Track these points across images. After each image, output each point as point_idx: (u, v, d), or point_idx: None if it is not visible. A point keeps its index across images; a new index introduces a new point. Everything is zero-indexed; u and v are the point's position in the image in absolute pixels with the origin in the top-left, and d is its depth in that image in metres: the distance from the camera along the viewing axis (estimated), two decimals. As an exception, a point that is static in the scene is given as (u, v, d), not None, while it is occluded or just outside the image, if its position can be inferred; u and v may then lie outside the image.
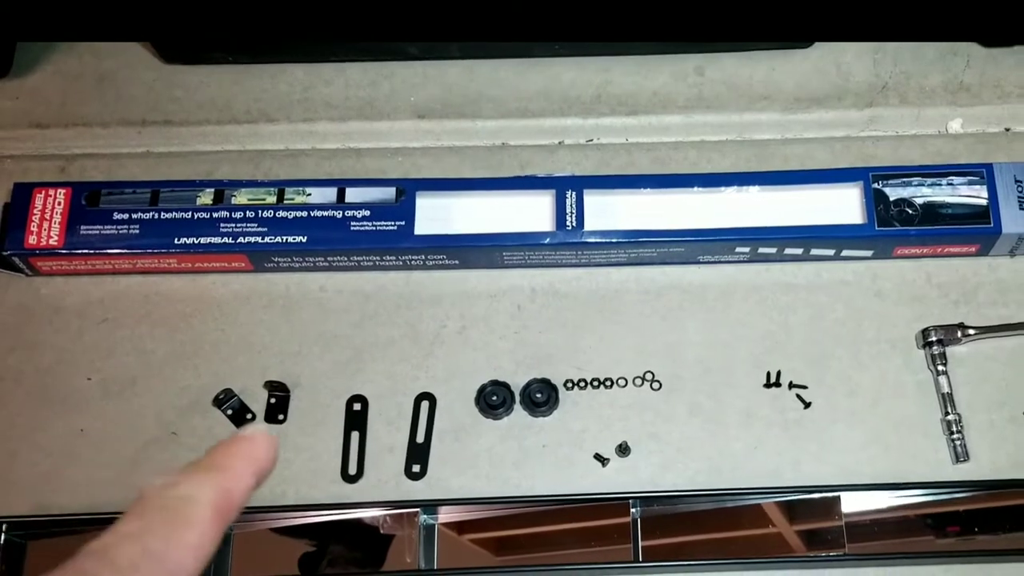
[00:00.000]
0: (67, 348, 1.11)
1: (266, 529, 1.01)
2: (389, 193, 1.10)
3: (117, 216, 1.09)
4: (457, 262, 1.10)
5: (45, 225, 1.09)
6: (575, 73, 1.21)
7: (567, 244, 1.08)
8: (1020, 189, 1.07)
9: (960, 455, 1.02)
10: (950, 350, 1.06)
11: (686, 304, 1.10)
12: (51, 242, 1.09)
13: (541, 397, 1.05)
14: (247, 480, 0.50)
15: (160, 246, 1.09)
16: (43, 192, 1.10)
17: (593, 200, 1.09)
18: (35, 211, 1.10)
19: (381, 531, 1.00)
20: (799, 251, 1.09)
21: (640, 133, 1.18)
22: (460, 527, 1.00)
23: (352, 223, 1.08)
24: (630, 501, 1.00)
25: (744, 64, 1.20)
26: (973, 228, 1.07)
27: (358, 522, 1.01)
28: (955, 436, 1.03)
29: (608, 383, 1.07)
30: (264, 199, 1.10)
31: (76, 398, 1.08)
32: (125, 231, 1.09)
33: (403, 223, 1.08)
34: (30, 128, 1.21)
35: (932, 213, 1.07)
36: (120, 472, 1.05)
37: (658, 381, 1.07)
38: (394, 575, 0.99)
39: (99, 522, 1.00)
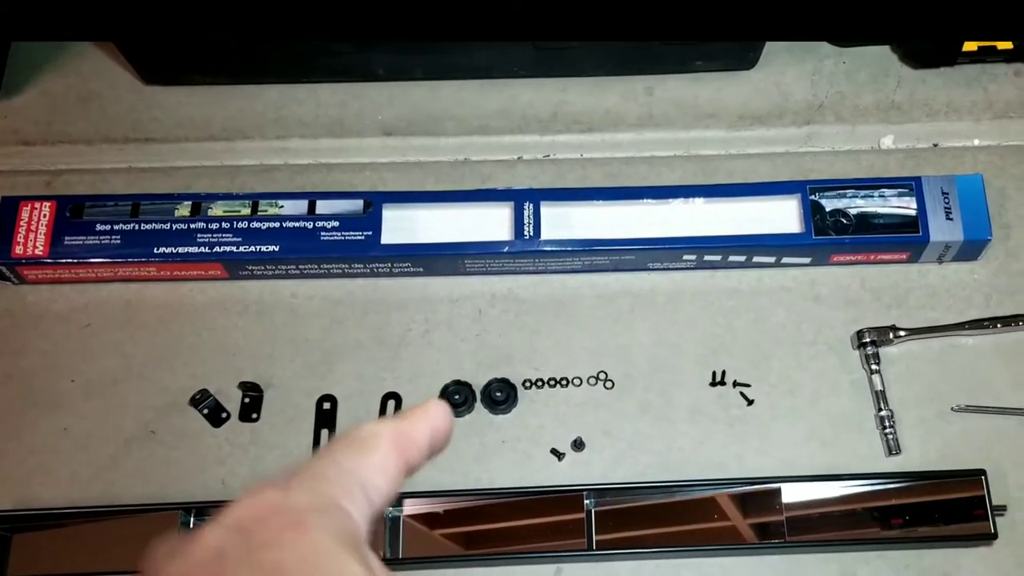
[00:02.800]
0: (52, 352, 1.10)
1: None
2: (357, 205, 1.09)
3: (99, 227, 1.09)
4: (421, 269, 1.10)
5: (31, 236, 1.08)
6: (533, 93, 1.21)
7: (525, 252, 1.08)
8: (947, 201, 1.08)
9: (892, 448, 1.03)
10: (883, 351, 1.06)
11: (637, 308, 1.10)
12: (37, 252, 1.08)
13: (501, 396, 1.05)
14: (422, 433, 0.52)
15: (140, 255, 1.08)
16: (29, 205, 1.10)
17: (549, 211, 1.09)
18: (22, 223, 1.09)
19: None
20: (742, 258, 1.10)
21: (594, 149, 1.18)
22: (424, 519, 1.00)
23: (322, 233, 1.08)
24: (584, 493, 1.00)
25: (691, 85, 1.21)
26: (903, 237, 1.07)
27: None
28: (888, 431, 1.03)
29: (564, 382, 1.07)
30: (239, 211, 1.09)
31: (60, 399, 1.08)
32: (107, 241, 1.08)
33: (370, 233, 1.08)
34: (18, 145, 1.20)
35: (865, 223, 1.07)
36: (101, 468, 1.05)
37: (611, 380, 1.07)
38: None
39: (82, 515, 1.00)
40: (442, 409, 0.53)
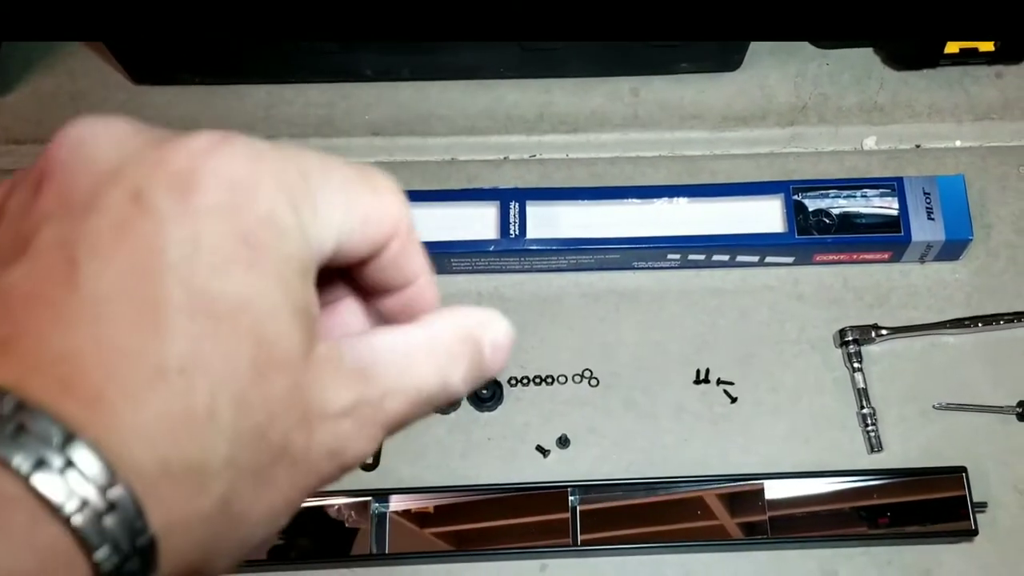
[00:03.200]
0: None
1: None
2: (345, 204, 1.09)
3: (89, 225, 1.08)
4: (408, 268, 1.10)
5: (21, 234, 1.07)
6: (519, 94, 1.21)
7: (511, 251, 1.07)
8: (928, 201, 1.08)
9: (874, 446, 1.03)
10: (865, 349, 1.06)
11: (622, 307, 1.10)
12: (26, 250, 1.07)
13: (486, 393, 1.05)
14: (498, 335, 0.43)
15: (129, 253, 1.07)
16: (19, 203, 1.09)
17: (535, 211, 1.09)
18: (11, 221, 1.08)
19: (346, 524, 0.99)
20: (726, 258, 1.10)
21: (579, 149, 1.18)
22: (410, 515, 0.99)
23: (310, 231, 1.07)
24: (569, 490, 1.00)
25: (676, 86, 1.21)
26: (885, 237, 1.07)
27: (322, 511, 1.00)
28: (870, 428, 1.03)
29: (549, 380, 1.07)
30: (227, 209, 1.08)
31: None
32: (96, 239, 1.07)
33: (358, 231, 1.07)
34: (8, 144, 1.20)
35: (848, 223, 1.07)
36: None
37: (596, 378, 1.07)
38: (347, 560, 0.99)
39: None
40: (508, 326, 0.44)
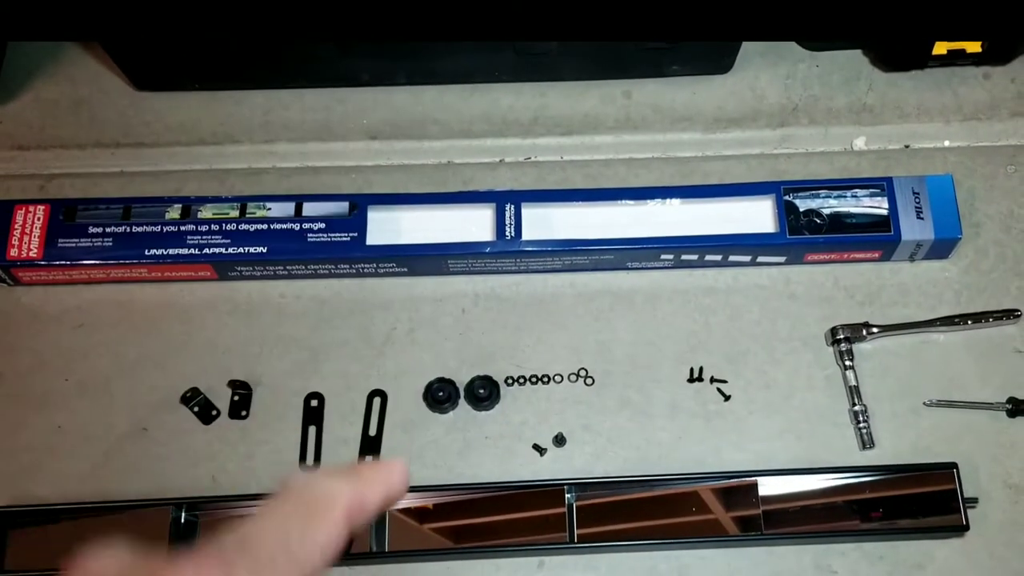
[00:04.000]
0: (46, 351, 1.09)
1: (230, 517, 1.00)
2: (343, 207, 1.08)
3: (92, 230, 1.08)
4: (406, 270, 1.09)
5: (25, 239, 1.07)
6: (514, 98, 1.20)
7: (507, 252, 1.07)
8: (917, 200, 1.07)
9: (866, 442, 1.02)
10: (856, 347, 1.06)
11: (616, 307, 1.10)
12: (31, 254, 1.07)
13: (484, 392, 1.04)
14: (378, 494, 0.49)
15: (132, 257, 1.07)
16: (23, 208, 1.09)
17: (530, 212, 1.08)
18: (16, 226, 1.08)
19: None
20: (718, 258, 1.09)
21: (574, 152, 1.18)
22: (409, 513, 0.99)
23: (309, 235, 1.07)
24: (565, 487, 0.99)
25: (668, 89, 1.20)
26: (875, 236, 1.07)
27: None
28: (861, 425, 1.03)
29: (545, 379, 1.06)
30: (228, 213, 1.08)
31: (54, 397, 1.07)
32: (99, 244, 1.07)
33: (356, 234, 1.07)
34: (12, 150, 1.19)
35: (838, 222, 1.07)
36: (95, 465, 1.04)
37: (591, 377, 1.07)
38: (347, 559, 0.98)
39: (76, 511, 0.99)
40: (401, 471, 0.51)
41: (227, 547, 0.44)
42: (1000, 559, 0.99)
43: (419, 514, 0.99)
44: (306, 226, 1.07)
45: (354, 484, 0.48)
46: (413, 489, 1.00)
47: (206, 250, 1.07)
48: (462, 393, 1.05)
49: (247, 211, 1.08)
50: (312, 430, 1.05)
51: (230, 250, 1.07)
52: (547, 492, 0.99)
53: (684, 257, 1.09)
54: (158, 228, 1.08)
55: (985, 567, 0.98)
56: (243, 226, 1.07)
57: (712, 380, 1.06)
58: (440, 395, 1.04)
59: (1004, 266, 1.10)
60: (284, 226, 1.07)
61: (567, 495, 0.99)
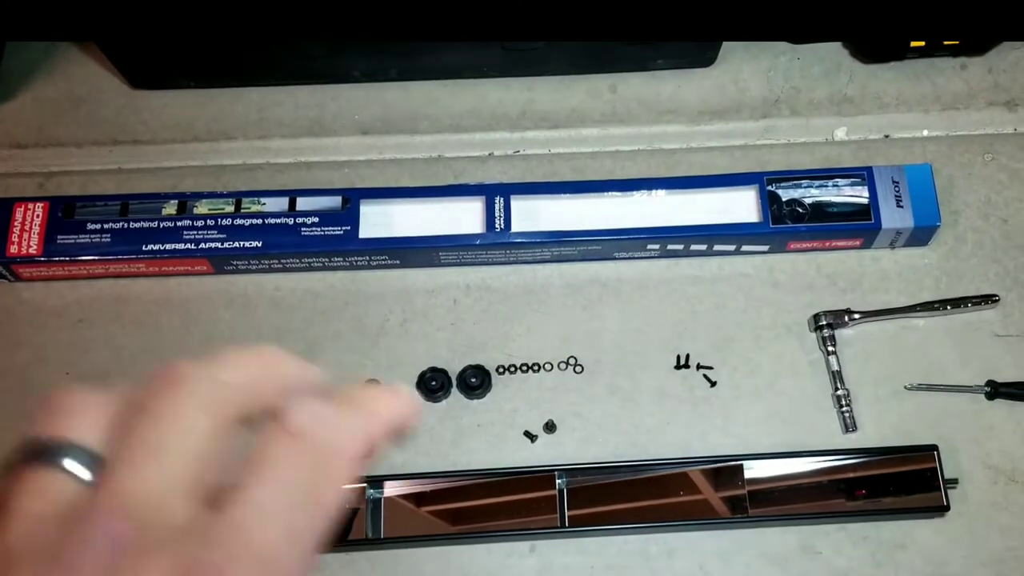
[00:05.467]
0: (46, 346, 1.08)
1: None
2: (336, 201, 1.08)
3: (90, 226, 1.07)
4: (398, 262, 1.09)
5: (25, 236, 1.07)
6: (502, 92, 1.19)
7: (496, 244, 1.06)
8: (897, 189, 1.07)
9: (849, 426, 1.02)
10: (839, 333, 1.05)
11: (604, 296, 1.09)
12: (30, 251, 1.06)
13: (475, 381, 1.04)
14: (385, 435, 0.42)
15: (129, 252, 1.06)
16: (23, 206, 1.08)
17: (519, 205, 1.07)
18: (16, 223, 1.07)
19: (351, 503, 0.98)
20: (703, 247, 1.08)
21: (561, 145, 1.17)
22: (404, 500, 0.98)
23: (303, 229, 1.06)
24: (556, 473, 0.99)
25: (653, 82, 1.19)
26: (856, 224, 1.06)
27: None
28: (844, 409, 1.02)
29: (536, 367, 1.06)
30: (223, 209, 1.07)
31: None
32: (98, 240, 1.06)
33: (349, 228, 1.06)
34: (11, 149, 1.18)
35: (820, 212, 1.06)
36: (95, 457, 1.03)
37: (580, 365, 1.06)
38: (343, 546, 0.97)
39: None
40: (410, 402, 0.45)
41: (221, 547, 0.35)
42: (980, 538, 0.98)
43: (413, 501, 0.98)
44: (300, 220, 1.07)
45: (366, 427, 0.41)
46: (407, 476, 0.99)
47: (202, 245, 1.06)
48: (454, 382, 1.05)
49: (242, 206, 1.08)
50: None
51: (226, 244, 1.06)
52: (538, 478, 0.99)
53: (670, 247, 1.08)
54: (155, 224, 1.07)
55: (965, 546, 0.98)
56: (238, 221, 1.07)
57: (698, 367, 1.06)
58: (433, 384, 1.04)
59: (982, 252, 1.10)
60: (278, 220, 1.07)
61: (558, 480, 0.99)
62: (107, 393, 0.39)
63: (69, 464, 0.37)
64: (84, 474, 0.37)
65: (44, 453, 0.38)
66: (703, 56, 1.18)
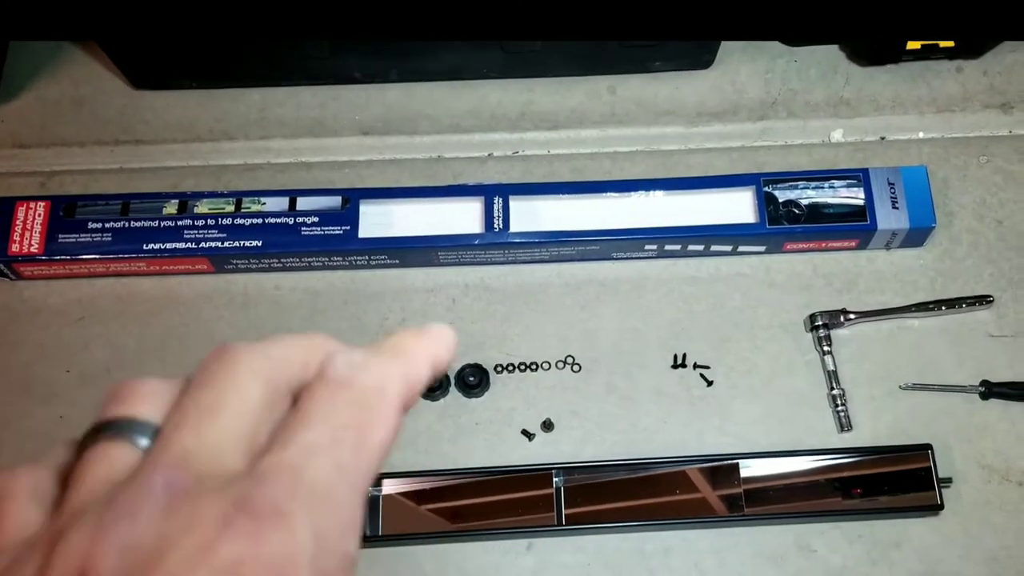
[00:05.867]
0: (48, 344, 1.08)
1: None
2: (336, 201, 1.08)
3: (91, 225, 1.07)
4: (397, 261, 1.09)
5: (27, 234, 1.07)
6: (501, 93, 1.19)
7: (495, 244, 1.06)
8: (893, 191, 1.07)
9: (844, 425, 1.02)
10: (834, 333, 1.05)
11: (602, 296, 1.09)
12: (32, 249, 1.06)
13: (474, 380, 1.04)
14: (426, 373, 0.42)
15: (130, 251, 1.06)
16: (24, 205, 1.08)
17: (518, 205, 1.07)
18: (17, 222, 1.07)
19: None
20: (701, 247, 1.08)
21: (560, 146, 1.17)
22: (402, 498, 0.98)
23: (303, 228, 1.06)
24: (553, 471, 0.99)
25: (651, 84, 1.19)
26: (852, 225, 1.06)
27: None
28: (840, 408, 1.02)
29: (533, 367, 1.06)
30: (223, 208, 1.08)
31: (56, 389, 1.06)
32: (99, 239, 1.07)
33: (348, 228, 1.06)
34: (13, 148, 1.18)
35: (816, 213, 1.06)
36: (96, 454, 1.03)
37: (578, 364, 1.06)
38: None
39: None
40: (449, 337, 0.44)
41: (272, 478, 0.35)
42: (973, 537, 0.99)
43: (412, 499, 0.98)
44: (300, 220, 1.07)
45: (404, 371, 0.41)
46: (405, 475, 0.99)
47: (203, 244, 1.06)
48: (452, 381, 1.05)
49: (242, 206, 1.08)
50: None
51: (226, 244, 1.06)
52: (536, 476, 0.99)
53: (668, 247, 1.08)
54: (156, 223, 1.07)
55: (959, 545, 0.98)
56: (238, 220, 1.07)
57: (695, 366, 1.06)
58: (431, 383, 1.04)
59: (977, 253, 1.10)
60: (278, 220, 1.07)
61: (555, 479, 0.99)
62: (169, 379, 0.40)
63: (132, 437, 0.38)
64: (146, 443, 0.38)
65: (109, 429, 0.38)
66: (701, 58, 1.19)
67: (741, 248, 1.09)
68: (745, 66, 1.20)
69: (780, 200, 1.07)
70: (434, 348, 0.43)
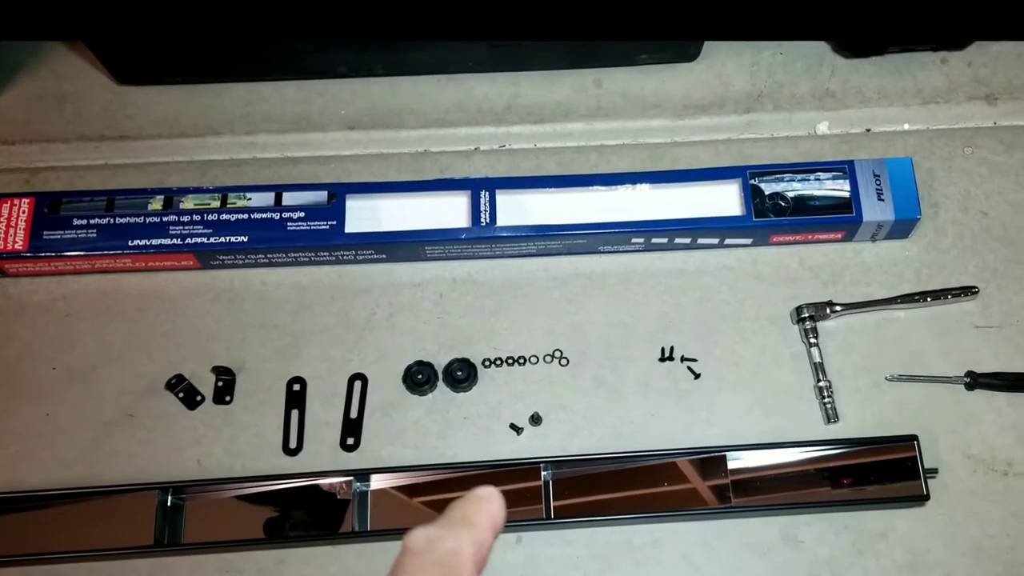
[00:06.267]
0: (34, 341, 1.07)
1: (216, 499, 0.99)
2: (321, 196, 1.07)
3: (76, 222, 1.06)
4: (384, 256, 1.08)
5: (11, 231, 1.06)
6: (488, 87, 1.19)
7: (482, 238, 1.06)
8: (878, 183, 1.06)
9: (831, 416, 1.02)
10: (821, 325, 1.05)
11: (589, 289, 1.09)
12: (17, 247, 1.05)
13: (462, 375, 1.03)
14: (491, 536, 0.51)
15: (116, 248, 1.05)
16: (8, 202, 1.07)
17: (505, 199, 1.07)
18: (1, 219, 1.06)
19: (330, 503, 0.98)
20: (687, 240, 1.08)
21: (546, 139, 1.16)
22: (391, 493, 0.98)
23: (289, 224, 1.06)
24: (541, 465, 0.98)
25: (637, 77, 1.19)
26: (838, 217, 1.06)
27: (306, 491, 0.98)
28: (826, 400, 1.02)
29: (521, 360, 1.05)
30: (209, 204, 1.07)
31: (42, 386, 1.05)
32: (84, 235, 1.06)
33: (335, 222, 1.06)
34: (-2, 144, 1.18)
35: (802, 205, 1.06)
36: (83, 451, 1.02)
37: (566, 358, 1.06)
38: (330, 538, 0.97)
39: (65, 497, 0.97)
40: (501, 503, 0.52)
41: None
42: (959, 526, 0.98)
43: (400, 494, 0.98)
44: (286, 215, 1.06)
45: (472, 535, 0.49)
46: (394, 470, 0.99)
47: (188, 240, 1.05)
48: (440, 375, 1.04)
49: (228, 201, 1.07)
50: (295, 414, 1.03)
51: (212, 239, 1.05)
52: (524, 470, 0.98)
53: (654, 240, 1.08)
54: (141, 219, 1.06)
55: (945, 534, 0.98)
56: (224, 216, 1.06)
57: (683, 359, 1.05)
58: (419, 378, 1.03)
59: (962, 244, 1.10)
60: (264, 215, 1.06)
61: (543, 472, 0.98)
62: None
63: None
64: None
65: None
66: (687, 51, 1.18)
67: (728, 241, 1.08)
68: (731, 59, 1.20)
69: (766, 192, 1.06)
70: (492, 512, 0.51)
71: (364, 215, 1.07)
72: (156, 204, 1.07)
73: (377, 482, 0.98)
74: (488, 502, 0.51)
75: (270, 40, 1.12)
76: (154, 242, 1.05)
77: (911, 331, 1.06)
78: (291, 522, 0.98)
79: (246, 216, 1.06)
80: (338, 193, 1.07)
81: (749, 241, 1.08)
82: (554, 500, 0.97)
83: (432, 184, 1.09)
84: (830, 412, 1.02)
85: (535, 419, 1.03)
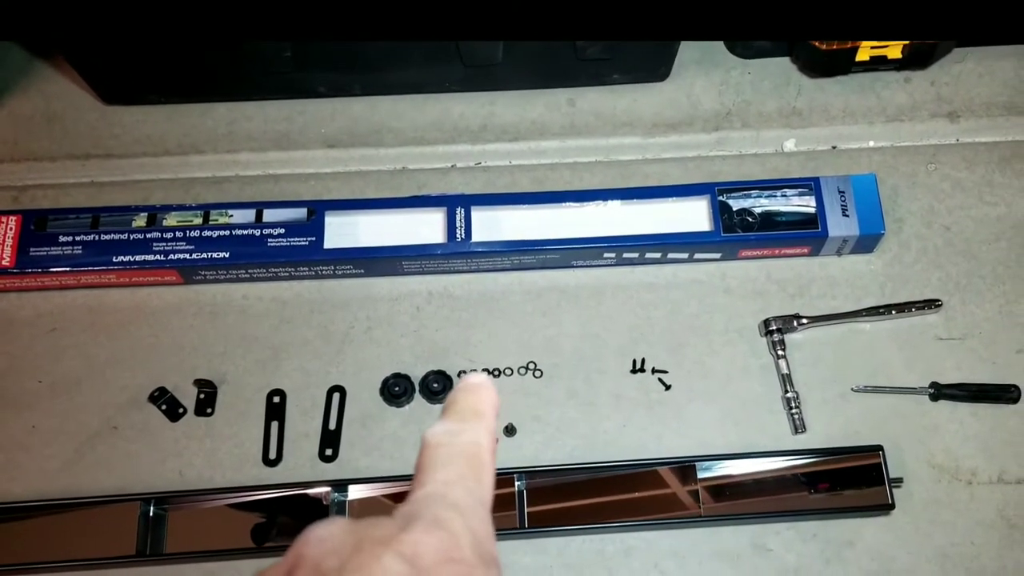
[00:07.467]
0: (20, 355, 1.06)
1: (197, 509, 0.98)
2: (301, 213, 1.06)
3: (62, 239, 1.05)
4: (362, 271, 1.07)
5: (-2, 248, 1.05)
6: (464, 106, 1.18)
7: (458, 253, 1.05)
8: (843, 199, 1.06)
9: (798, 427, 1.02)
10: (788, 337, 1.05)
11: (563, 303, 1.08)
12: (4, 263, 1.04)
13: (438, 386, 1.03)
14: (495, 421, 0.51)
15: (101, 264, 1.05)
16: (-4, 219, 1.06)
17: (480, 215, 1.06)
18: (-11, 236, 1.06)
19: (305, 514, 0.97)
20: (658, 255, 1.08)
21: (521, 157, 1.16)
22: (368, 504, 0.97)
23: (269, 240, 1.05)
24: (515, 475, 0.98)
25: (609, 96, 1.19)
26: (804, 232, 1.06)
27: (283, 502, 0.97)
28: (794, 411, 1.02)
29: (496, 372, 1.05)
30: (191, 220, 1.06)
31: (28, 398, 1.04)
32: (70, 252, 1.05)
33: (314, 239, 1.05)
34: (-13, 163, 1.17)
35: (769, 221, 1.06)
36: (67, 462, 1.01)
37: (539, 370, 1.05)
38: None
39: (49, 507, 0.96)
40: (494, 390, 0.52)
41: (432, 508, 0.44)
42: (924, 534, 0.98)
43: (377, 505, 0.97)
44: (266, 231, 1.05)
45: (485, 425, 0.50)
46: (371, 480, 0.98)
47: (171, 256, 1.05)
48: (417, 387, 1.04)
49: (210, 218, 1.06)
50: (274, 425, 1.03)
51: (194, 255, 1.04)
52: (498, 480, 0.97)
53: (626, 255, 1.07)
54: (125, 236, 1.05)
55: (911, 542, 0.98)
56: (206, 232, 1.05)
57: (654, 371, 1.05)
58: (396, 390, 1.03)
59: (926, 259, 1.10)
60: (245, 232, 1.05)
61: (517, 482, 0.98)
62: None
63: None
64: None
65: None
66: (657, 71, 1.18)
67: (697, 256, 1.08)
68: (700, 78, 1.20)
69: (734, 208, 1.06)
70: (493, 398, 0.52)
71: (343, 231, 1.06)
72: (140, 221, 1.06)
73: (355, 492, 0.98)
74: (487, 389, 0.52)
75: (252, 61, 1.11)
76: (138, 258, 1.04)
77: (876, 343, 1.06)
78: (272, 531, 0.97)
79: (228, 232, 1.05)
80: (317, 210, 1.06)
81: (718, 256, 1.08)
82: (528, 509, 0.97)
83: (409, 201, 1.09)
84: (798, 423, 1.02)
85: (509, 430, 1.02)
